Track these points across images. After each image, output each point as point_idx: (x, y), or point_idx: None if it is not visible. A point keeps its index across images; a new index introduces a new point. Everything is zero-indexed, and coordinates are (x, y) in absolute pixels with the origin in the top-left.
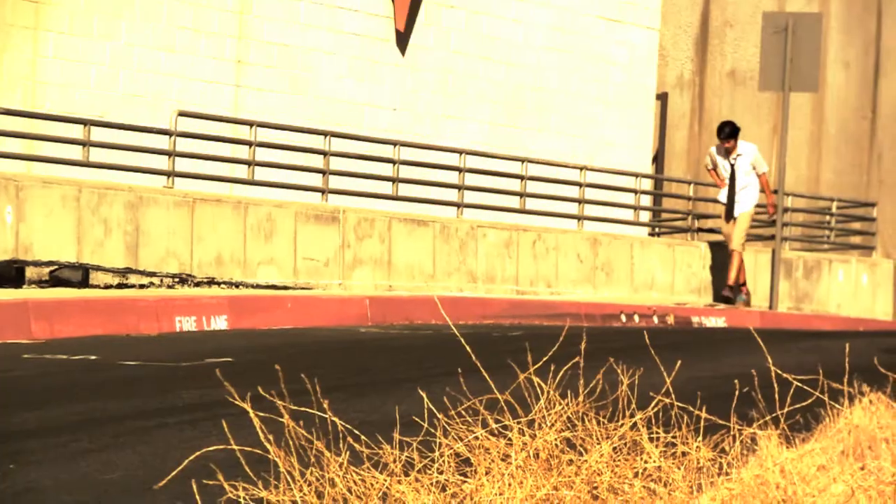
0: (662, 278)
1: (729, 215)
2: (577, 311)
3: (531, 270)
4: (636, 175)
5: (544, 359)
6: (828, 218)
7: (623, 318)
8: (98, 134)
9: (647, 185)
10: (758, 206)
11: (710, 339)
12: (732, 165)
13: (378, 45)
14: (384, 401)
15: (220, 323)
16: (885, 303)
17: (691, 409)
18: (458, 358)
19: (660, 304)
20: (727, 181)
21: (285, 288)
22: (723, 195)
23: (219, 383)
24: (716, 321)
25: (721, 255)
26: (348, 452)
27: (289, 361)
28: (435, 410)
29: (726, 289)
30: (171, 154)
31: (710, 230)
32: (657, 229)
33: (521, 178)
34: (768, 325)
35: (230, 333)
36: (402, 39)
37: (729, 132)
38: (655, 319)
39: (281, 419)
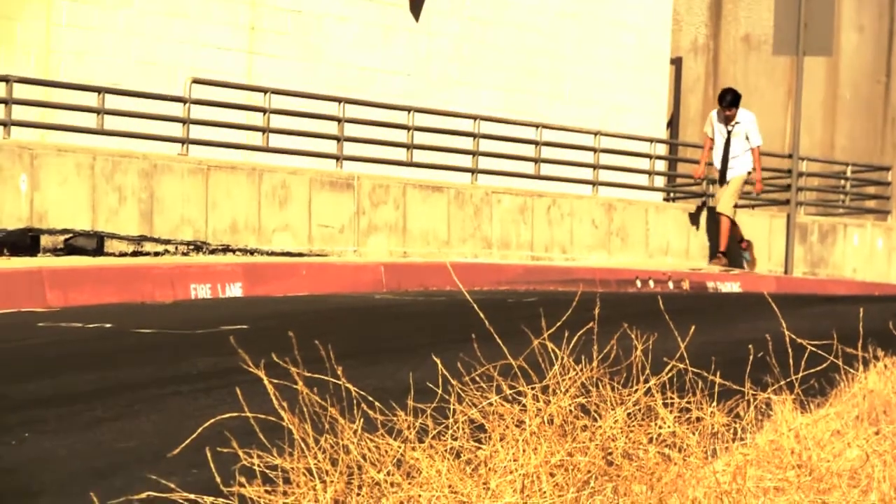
0: (677, 243)
1: (722, 180)
2: (591, 277)
3: (546, 236)
4: (651, 140)
5: (557, 324)
6: (842, 182)
7: (638, 283)
8: (112, 102)
9: (662, 150)
10: (747, 183)
11: (725, 304)
12: (729, 132)
13: (391, 10)
14: (398, 367)
15: (234, 290)
16: None
17: (705, 374)
18: (472, 324)
19: (675, 269)
20: (721, 147)
21: (300, 255)
22: (717, 159)
23: (233, 351)
24: (731, 286)
25: (736, 219)
26: (362, 419)
27: (303, 328)
28: (449, 377)
29: (715, 258)
30: (185, 121)
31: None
32: (672, 194)
33: (536, 143)
34: (784, 289)
35: (245, 301)
36: (416, 5)
37: (731, 100)
38: (671, 285)
39: (295, 386)
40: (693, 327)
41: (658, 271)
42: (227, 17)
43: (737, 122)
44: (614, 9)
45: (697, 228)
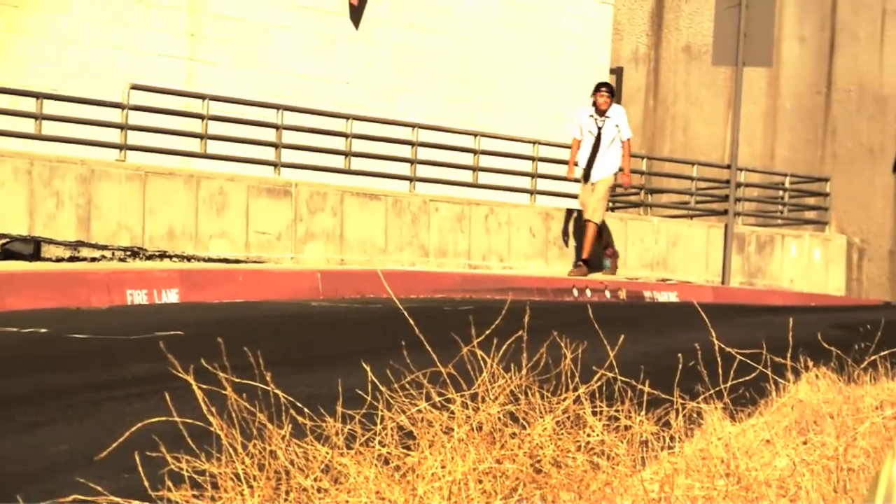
0: None
1: (587, 178)
2: (529, 286)
3: (483, 244)
4: None
5: (486, 333)
6: (781, 193)
7: (575, 292)
8: (50, 107)
9: None
10: (616, 184)
11: (661, 314)
12: (600, 129)
13: (332, 18)
14: (332, 374)
15: (171, 296)
16: (837, 278)
17: (635, 383)
18: (406, 332)
19: (612, 278)
20: (590, 145)
21: (237, 261)
22: (583, 157)
23: (167, 357)
24: (668, 296)
25: (673, 229)
26: (291, 425)
27: (238, 335)
28: (378, 383)
29: (576, 268)
30: (123, 127)
31: (662, 205)
32: (612, 204)
33: (474, 152)
34: (721, 299)
35: (181, 307)
36: (356, 13)
37: (609, 89)
38: (608, 294)
39: (227, 392)
40: (623, 337)
41: (595, 280)
42: (168, 23)
43: (608, 118)
44: (554, 18)
45: (634, 238)
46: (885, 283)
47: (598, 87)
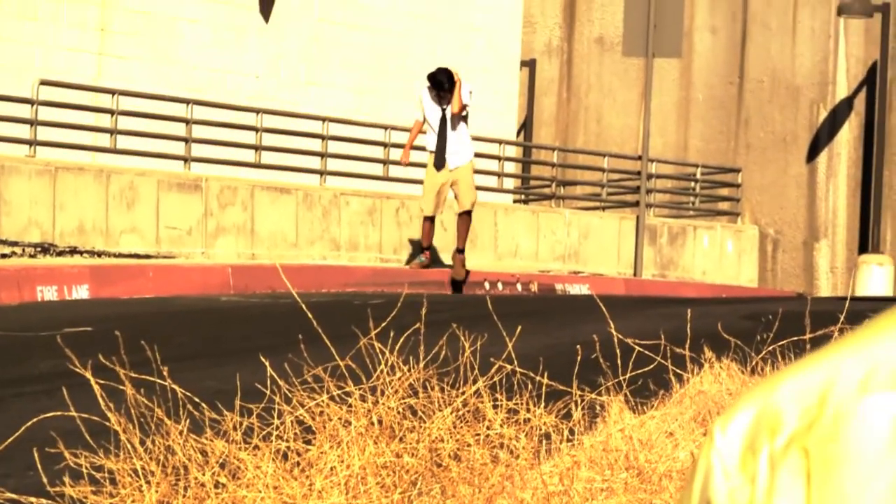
0: (527, 245)
1: (440, 165)
2: (441, 279)
3: (395, 238)
4: (500, 142)
5: (382, 325)
6: (693, 184)
7: (486, 285)
8: None
9: (512, 151)
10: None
11: (571, 307)
12: (444, 110)
13: (242, 12)
14: (238, 370)
15: (81, 292)
16: (749, 269)
17: (534, 375)
18: (313, 327)
19: (524, 271)
20: (437, 128)
21: (148, 257)
22: (431, 142)
23: (76, 353)
24: (580, 288)
25: (584, 221)
26: (189, 421)
27: (146, 330)
28: (277, 377)
29: (416, 263)
30: (32, 123)
31: (574, 197)
32: (524, 196)
33: (385, 145)
34: (633, 291)
35: (91, 302)
36: (266, 6)
37: (447, 85)
38: (519, 287)
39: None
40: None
41: (507, 273)
42: (77, 18)
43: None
44: (464, 11)
45: (546, 230)
46: (800, 274)
47: (436, 83)
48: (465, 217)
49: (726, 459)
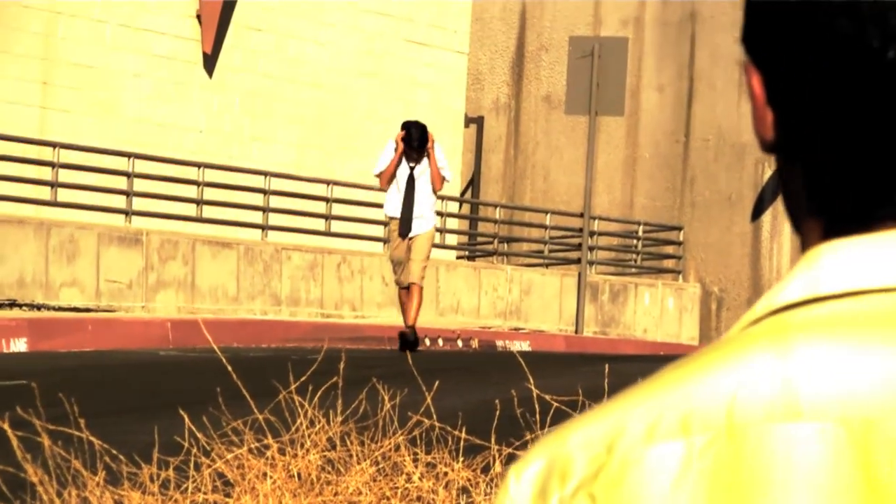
0: (468, 302)
1: (406, 232)
2: (381, 335)
3: (336, 293)
4: (443, 198)
5: (301, 379)
6: (635, 242)
7: (427, 341)
8: None
9: (455, 207)
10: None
11: (509, 363)
12: (412, 168)
13: (185, 67)
14: (165, 423)
15: (19, 345)
16: (691, 327)
17: (450, 430)
18: (251, 381)
19: (465, 327)
20: (403, 189)
21: (87, 310)
22: (394, 207)
23: (9, 406)
24: (521, 345)
25: (526, 277)
26: (105, 473)
27: (84, 385)
28: (196, 431)
29: (406, 332)
30: None
31: (517, 254)
32: (468, 253)
33: (327, 200)
34: (573, 348)
35: (29, 356)
36: (210, 62)
37: (420, 139)
38: (460, 343)
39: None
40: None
41: (448, 329)
42: (19, 71)
43: (426, 156)
44: (408, 68)
45: (488, 287)
46: None
47: (409, 138)
48: (416, 289)
49: None
